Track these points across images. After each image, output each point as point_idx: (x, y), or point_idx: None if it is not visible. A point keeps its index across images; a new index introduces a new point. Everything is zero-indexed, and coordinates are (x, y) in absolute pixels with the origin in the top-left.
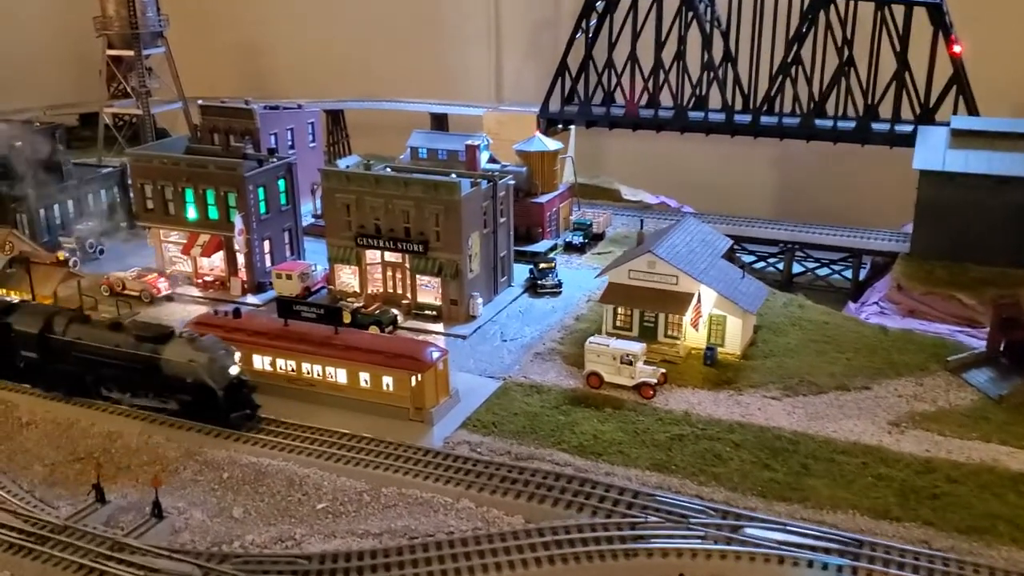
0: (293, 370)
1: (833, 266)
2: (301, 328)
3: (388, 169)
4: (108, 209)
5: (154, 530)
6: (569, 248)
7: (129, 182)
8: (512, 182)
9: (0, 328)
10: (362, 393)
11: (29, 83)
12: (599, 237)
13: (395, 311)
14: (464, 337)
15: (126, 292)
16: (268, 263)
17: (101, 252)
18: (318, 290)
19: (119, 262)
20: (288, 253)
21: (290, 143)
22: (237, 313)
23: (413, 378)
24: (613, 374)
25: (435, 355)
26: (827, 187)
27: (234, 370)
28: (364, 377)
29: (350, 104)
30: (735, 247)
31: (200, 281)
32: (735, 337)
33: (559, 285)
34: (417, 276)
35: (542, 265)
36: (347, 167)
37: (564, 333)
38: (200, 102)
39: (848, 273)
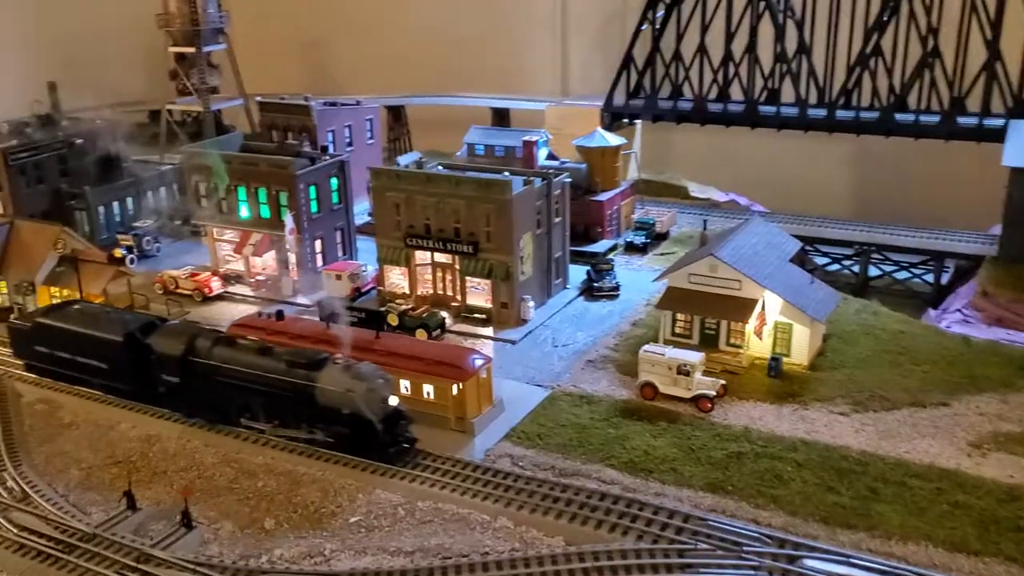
0: None
1: (913, 270)
2: (342, 332)
3: (439, 167)
4: (167, 206)
5: (183, 541)
6: (630, 248)
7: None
8: (568, 180)
9: (140, 350)
10: (402, 401)
11: (99, 80)
12: (662, 237)
13: (444, 314)
14: (513, 342)
15: (179, 291)
16: (320, 263)
17: (158, 250)
18: (368, 291)
19: (175, 260)
20: (340, 253)
21: (348, 140)
22: (280, 315)
23: (454, 386)
24: (669, 385)
25: (478, 363)
26: (907, 185)
27: (393, 400)
28: (404, 384)
29: (411, 100)
30: (807, 248)
31: (252, 280)
32: (802, 347)
33: (617, 288)
34: (467, 278)
35: (600, 266)
36: (407, 164)
37: (619, 339)
38: (258, 98)
39: (929, 277)
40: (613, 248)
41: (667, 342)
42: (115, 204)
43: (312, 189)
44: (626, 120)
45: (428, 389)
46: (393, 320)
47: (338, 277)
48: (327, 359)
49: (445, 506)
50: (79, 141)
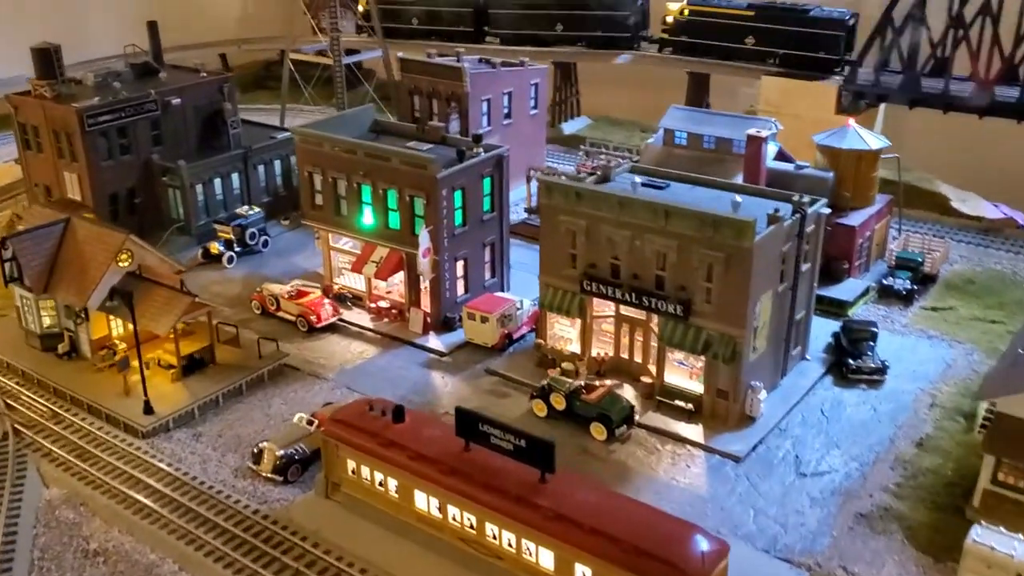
0: (472, 527)
1: None
2: (490, 463)
3: (636, 179)
4: (281, 187)
5: None
6: (886, 294)
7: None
8: (827, 211)
9: None
10: None
11: (226, 11)
12: (930, 279)
13: (631, 403)
14: (737, 459)
15: (279, 313)
16: (460, 291)
17: (265, 244)
18: (520, 337)
19: (283, 261)
20: (487, 275)
21: (506, 110)
22: (399, 414)
23: None
24: None
25: (707, 553)
26: None
27: None
28: (583, 572)
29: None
30: None
31: (373, 306)
32: None
33: (883, 370)
34: (667, 350)
35: (857, 334)
36: (576, 132)
37: (901, 474)
38: (400, 55)
39: None
40: (864, 294)
41: (986, 495)
42: (216, 181)
43: (457, 195)
44: (863, 102)
45: None
46: (558, 402)
47: (483, 319)
48: None
49: None
50: (176, 101)
